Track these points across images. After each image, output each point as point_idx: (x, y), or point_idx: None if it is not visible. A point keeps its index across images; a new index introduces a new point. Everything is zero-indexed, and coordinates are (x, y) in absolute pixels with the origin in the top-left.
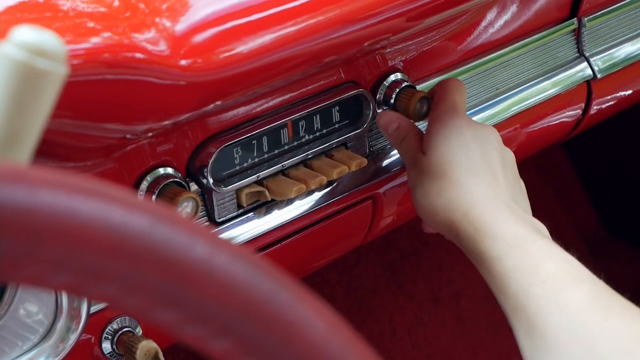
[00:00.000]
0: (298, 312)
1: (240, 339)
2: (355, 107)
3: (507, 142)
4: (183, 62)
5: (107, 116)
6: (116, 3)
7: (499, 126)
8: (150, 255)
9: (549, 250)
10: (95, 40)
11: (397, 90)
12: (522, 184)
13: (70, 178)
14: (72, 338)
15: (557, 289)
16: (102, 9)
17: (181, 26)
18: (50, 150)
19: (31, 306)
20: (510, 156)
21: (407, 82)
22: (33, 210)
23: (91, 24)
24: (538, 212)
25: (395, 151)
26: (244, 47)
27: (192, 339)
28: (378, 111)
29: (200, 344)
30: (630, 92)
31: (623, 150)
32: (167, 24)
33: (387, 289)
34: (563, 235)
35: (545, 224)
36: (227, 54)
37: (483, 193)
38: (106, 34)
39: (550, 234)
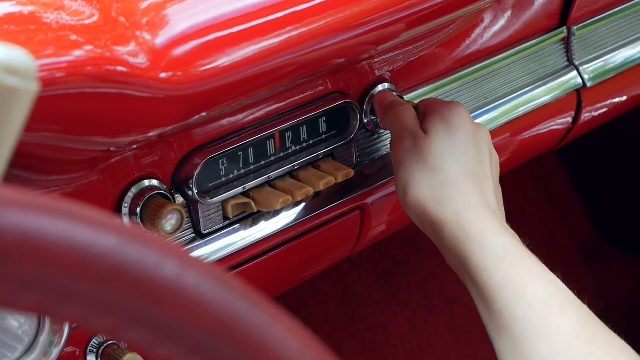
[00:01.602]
0: (270, 330)
1: (212, 358)
2: (342, 117)
3: (497, 150)
4: (163, 75)
5: (90, 129)
6: (96, 17)
7: None
8: (118, 275)
9: (536, 269)
10: (78, 53)
11: None
12: (500, 189)
13: (37, 198)
14: (55, 352)
15: (544, 315)
16: (86, 22)
17: (161, 39)
18: (34, 164)
19: (18, 317)
20: (496, 158)
21: (395, 92)
22: None
23: (74, 37)
24: (532, 218)
25: (383, 161)
26: (225, 59)
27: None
28: (365, 121)
29: None
30: (620, 100)
31: (616, 157)
32: (147, 37)
33: (381, 297)
34: (557, 242)
35: (539, 231)
36: (207, 67)
37: (476, 198)
38: (88, 47)
39: (545, 241)
